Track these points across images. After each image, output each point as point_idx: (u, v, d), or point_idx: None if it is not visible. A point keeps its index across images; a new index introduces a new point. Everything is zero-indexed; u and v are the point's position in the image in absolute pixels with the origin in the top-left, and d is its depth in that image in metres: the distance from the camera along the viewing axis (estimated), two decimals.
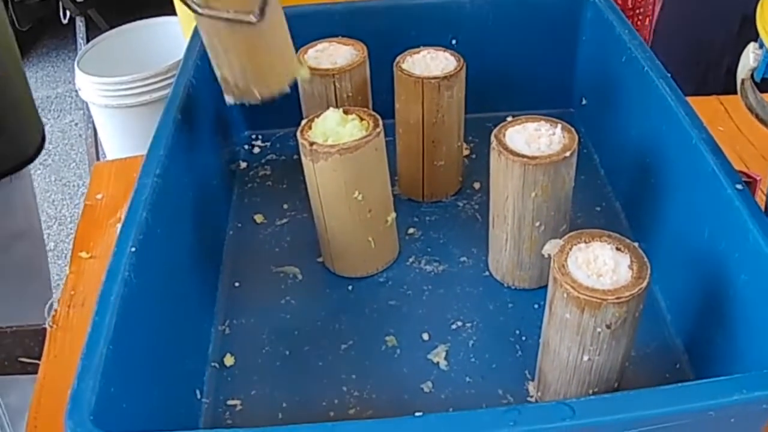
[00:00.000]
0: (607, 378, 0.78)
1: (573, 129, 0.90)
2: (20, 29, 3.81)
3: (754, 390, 0.62)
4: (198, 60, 1.09)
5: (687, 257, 0.89)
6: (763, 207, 0.79)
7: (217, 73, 0.96)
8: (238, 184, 1.20)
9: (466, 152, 1.20)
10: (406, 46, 1.08)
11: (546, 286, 0.79)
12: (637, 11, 1.69)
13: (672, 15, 1.80)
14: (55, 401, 0.95)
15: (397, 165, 1.12)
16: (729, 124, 1.31)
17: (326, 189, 0.94)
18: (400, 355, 0.91)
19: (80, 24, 3.22)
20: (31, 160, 1.53)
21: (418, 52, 1.07)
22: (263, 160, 1.25)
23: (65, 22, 3.35)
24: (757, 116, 0.86)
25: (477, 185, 1.15)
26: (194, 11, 0.88)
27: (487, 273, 1.01)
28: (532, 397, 0.85)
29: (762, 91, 0.83)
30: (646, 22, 1.71)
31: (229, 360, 0.92)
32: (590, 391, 0.79)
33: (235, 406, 0.87)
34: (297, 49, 1.08)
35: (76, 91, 2.60)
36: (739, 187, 0.80)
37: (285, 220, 1.12)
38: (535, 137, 0.89)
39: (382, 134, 0.93)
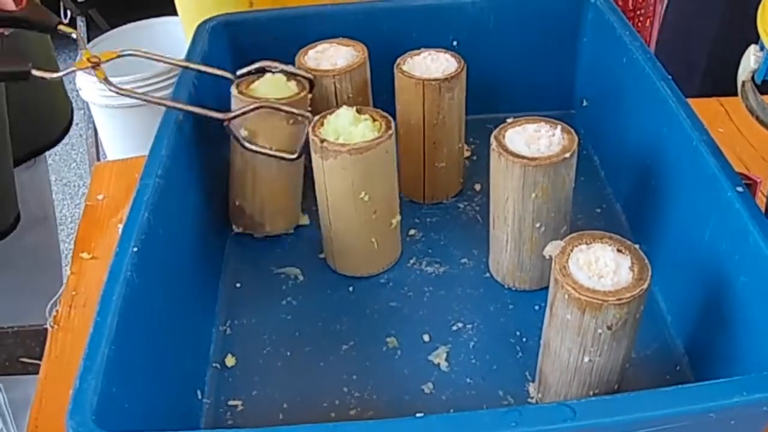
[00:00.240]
0: (607, 379, 0.78)
1: (573, 130, 0.91)
2: None
3: (754, 392, 0.62)
4: (199, 61, 1.09)
5: (687, 259, 0.89)
6: (763, 209, 0.79)
7: (234, 203, 1.07)
8: None
9: (466, 154, 1.21)
10: (406, 47, 1.08)
11: (546, 288, 0.79)
12: (638, 12, 1.69)
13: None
14: (56, 401, 0.95)
15: (398, 166, 1.12)
16: (729, 125, 1.31)
17: (333, 187, 0.94)
18: (400, 356, 0.91)
19: (81, 24, 3.21)
20: (57, 141, 1.57)
21: (419, 54, 1.07)
22: None
23: (66, 21, 3.34)
24: (757, 118, 0.86)
25: (478, 187, 1.16)
26: (241, 145, 1.00)
27: (487, 274, 1.01)
28: (532, 398, 0.86)
29: (762, 93, 0.83)
30: (647, 24, 1.71)
31: (230, 360, 0.92)
32: (591, 393, 0.79)
33: (236, 406, 0.87)
34: (298, 50, 1.09)
35: (77, 91, 2.59)
36: (739, 189, 0.80)
37: None
38: (534, 138, 0.90)
39: (393, 137, 0.94)
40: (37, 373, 1.01)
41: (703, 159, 0.85)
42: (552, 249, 0.77)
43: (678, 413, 0.62)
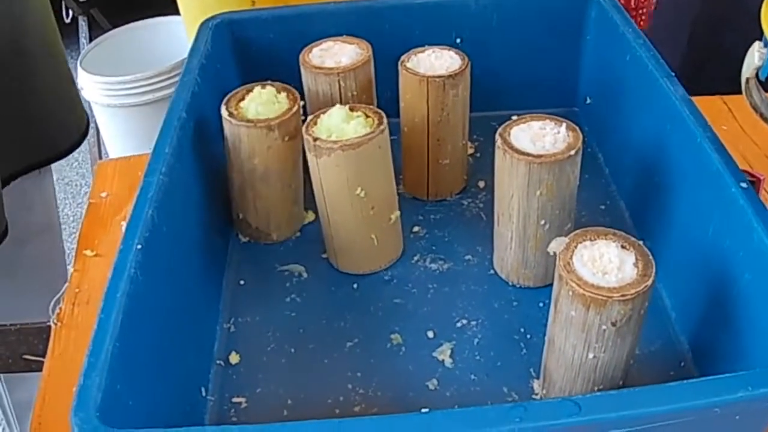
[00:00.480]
0: (612, 376, 0.78)
1: (577, 127, 0.91)
2: None
3: (759, 387, 0.62)
4: (203, 59, 1.09)
5: (691, 255, 0.89)
6: (767, 206, 0.79)
7: (238, 216, 1.09)
8: None
9: (470, 151, 1.20)
10: (410, 45, 1.08)
11: (551, 285, 0.79)
12: (640, 11, 1.69)
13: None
14: (60, 399, 0.95)
15: (402, 163, 1.12)
16: (732, 123, 1.31)
17: (329, 185, 0.94)
18: (405, 353, 0.91)
19: (83, 23, 3.22)
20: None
21: (423, 51, 1.07)
22: None
23: (68, 21, 3.34)
24: (761, 115, 0.86)
25: (482, 184, 1.16)
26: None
27: (492, 271, 1.01)
28: (537, 394, 0.86)
29: (767, 90, 0.83)
30: (650, 22, 1.71)
31: (234, 358, 0.92)
32: (595, 389, 0.79)
33: (240, 403, 0.87)
34: (301, 49, 1.09)
35: (79, 90, 2.59)
36: (743, 185, 0.80)
37: None
38: (539, 136, 0.89)
39: (386, 132, 0.93)
40: (40, 370, 1.01)
41: (706, 155, 0.85)
42: (556, 245, 0.77)
43: (683, 408, 0.61)
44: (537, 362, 0.87)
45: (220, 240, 1.07)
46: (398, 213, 1.00)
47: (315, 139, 0.91)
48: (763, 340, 0.74)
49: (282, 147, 1.00)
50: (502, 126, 0.92)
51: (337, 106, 0.95)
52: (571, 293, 0.73)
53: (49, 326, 1.06)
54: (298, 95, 1.03)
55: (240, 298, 1.00)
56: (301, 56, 1.09)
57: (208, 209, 1.02)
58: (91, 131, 2.82)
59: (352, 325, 0.95)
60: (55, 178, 1.64)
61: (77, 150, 3.04)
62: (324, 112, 0.95)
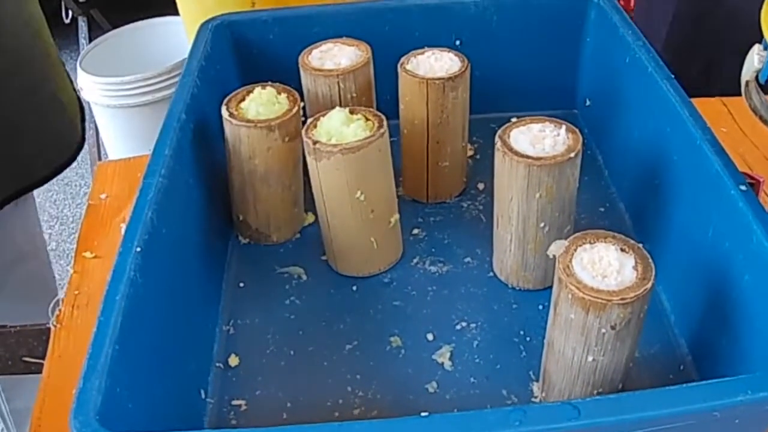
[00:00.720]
0: (611, 379, 0.78)
1: (577, 130, 0.91)
2: None
3: (759, 391, 0.62)
4: (202, 61, 1.09)
5: (691, 258, 0.89)
6: (767, 208, 0.79)
7: (238, 218, 1.09)
8: None
9: (470, 153, 1.20)
10: (410, 46, 1.08)
11: (550, 287, 0.79)
12: None
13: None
14: (60, 401, 0.95)
15: (402, 166, 1.12)
16: (732, 125, 1.31)
17: (329, 188, 0.94)
18: (404, 356, 0.91)
19: (82, 24, 3.22)
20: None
21: (423, 53, 1.07)
22: None
23: (67, 21, 3.35)
24: (761, 118, 0.86)
25: (481, 186, 1.16)
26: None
27: (491, 274, 1.01)
28: (536, 397, 0.86)
29: (766, 93, 0.83)
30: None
31: (233, 360, 0.92)
32: (595, 392, 0.79)
33: (239, 406, 0.87)
34: (300, 50, 1.09)
35: (78, 91, 2.59)
36: (743, 188, 0.80)
37: None
38: (539, 138, 0.89)
39: (386, 135, 0.93)
40: (39, 372, 1.01)
41: (706, 158, 0.85)
42: (556, 248, 0.77)
43: (682, 412, 0.61)
44: (536, 365, 0.87)
45: (220, 242, 1.07)
46: (398, 216, 1.00)
47: (315, 143, 0.91)
48: (763, 342, 0.74)
49: (282, 148, 1.00)
50: (502, 128, 0.92)
51: (337, 108, 0.95)
52: (570, 296, 0.73)
53: (49, 328, 1.05)
54: (298, 96, 1.03)
55: (239, 300, 1.00)
56: (300, 58, 1.09)
57: (208, 211, 1.02)
58: (91, 132, 2.82)
59: (351, 327, 0.95)
60: (54, 178, 1.62)
61: None
62: (324, 115, 0.95)
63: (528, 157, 0.87)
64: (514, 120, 0.93)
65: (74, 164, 2.91)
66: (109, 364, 0.67)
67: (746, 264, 0.77)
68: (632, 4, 1.77)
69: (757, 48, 0.82)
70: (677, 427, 0.62)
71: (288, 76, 1.08)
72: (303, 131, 0.94)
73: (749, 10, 0.88)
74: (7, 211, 1.42)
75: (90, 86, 2.49)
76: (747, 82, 0.84)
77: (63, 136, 1.48)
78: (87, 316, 1.05)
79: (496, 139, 0.90)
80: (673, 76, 0.98)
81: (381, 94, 1.12)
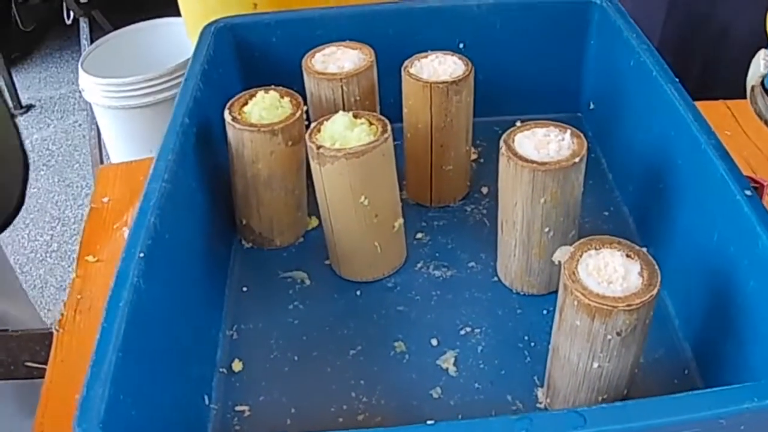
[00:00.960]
0: (616, 385, 0.77)
1: (582, 134, 0.90)
2: (24, 30, 3.82)
3: (765, 398, 0.61)
4: (205, 64, 1.08)
5: (695, 263, 0.89)
6: None
7: (241, 222, 1.09)
8: None
9: (473, 156, 1.20)
10: (413, 50, 1.08)
11: (555, 292, 0.79)
12: None
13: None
14: (62, 406, 0.95)
15: (405, 169, 1.12)
16: (736, 128, 1.31)
17: (332, 193, 0.94)
18: (408, 361, 0.91)
19: (84, 25, 3.22)
20: None
21: (426, 57, 1.07)
22: None
23: (69, 22, 3.35)
24: (766, 123, 0.86)
25: (485, 190, 1.15)
26: None
27: (495, 278, 1.01)
28: (541, 403, 0.85)
29: None
30: None
31: (237, 365, 0.92)
32: (600, 398, 0.78)
33: (243, 411, 0.87)
34: (303, 53, 1.09)
35: (80, 92, 2.60)
36: (748, 193, 0.80)
37: None
38: (544, 143, 0.89)
39: (390, 140, 0.93)
40: (42, 377, 1.01)
41: (710, 162, 0.85)
42: (561, 254, 0.76)
43: (688, 420, 0.61)
44: (541, 370, 0.86)
45: (223, 246, 1.07)
46: (402, 220, 1.00)
47: (318, 147, 0.91)
48: None
49: (285, 152, 1.00)
50: (506, 133, 0.91)
51: (341, 112, 0.95)
52: (576, 303, 0.72)
53: (52, 333, 1.05)
54: (301, 100, 1.03)
55: (243, 305, 1.00)
56: (303, 61, 1.09)
57: (211, 215, 1.02)
58: (93, 133, 2.83)
59: (355, 332, 0.95)
60: (56, 180, 1.59)
61: (78, 152, 3.04)
62: (327, 119, 0.95)
63: (533, 162, 0.87)
64: (518, 124, 0.93)
65: (76, 165, 2.90)
66: (113, 372, 0.66)
67: (751, 269, 0.77)
68: None
69: (762, 53, 0.82)
70: None
71: (291, 80, 1.08)
72: (306, 135, 0.94)
73: (740, 26, 0.88)
74: None
75: (91, 87, 2.49)
76: (752, 87, 0.84)
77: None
78: (90, 320, 1.05)
79: (501, 143, 0.90)
80: (677, 79, 0.98)
81: (384, 97, 1.12)
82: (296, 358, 0.93)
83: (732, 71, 1.03)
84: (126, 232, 0.81)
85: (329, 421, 0.85)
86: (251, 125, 0.98)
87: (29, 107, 3.83)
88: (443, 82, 1.01)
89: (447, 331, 0.94)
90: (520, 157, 0.87)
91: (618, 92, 1.13)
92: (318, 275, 1.04)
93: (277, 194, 1.03)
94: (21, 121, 3.74)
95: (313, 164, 0.93)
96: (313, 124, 0.95)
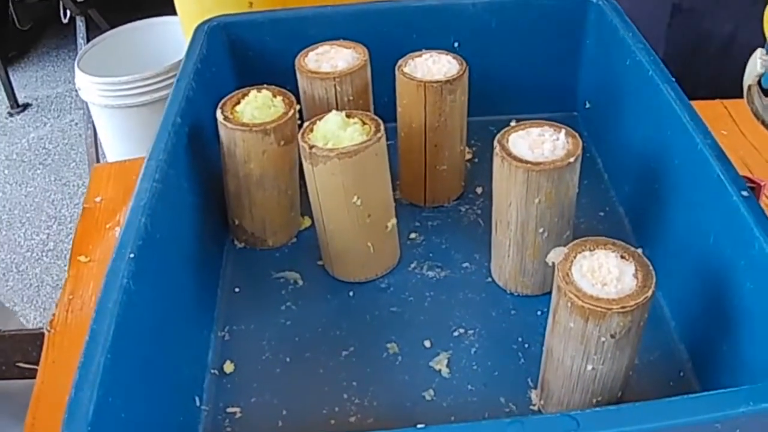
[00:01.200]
0: (610, 387, 0.77)
1: (577, 134, 0.90)
2: (21, 29, 3.81)
3: (761, 402, 0.61)
4: (198, 63, 1.08)
5: (691, 264, 0.88)
6: (767, 212, 0.78)
7: (234, 222, 1.08)
8: None
9: (468, 156, 1.19)
10: (407, 49, 1.07)
11: (549, 293, 0.78)
12: None
13: None
14: (54, 406, 0.94)
15: (399, 169, 1.11)
16: (733, 128, 1.30)
17: (325, 193, 0.93)
18: (401, 362, 0.90)
19: (80, 24, 3.22)
20: None
21: (420, 56, 1.06)
22: None
23: (65, 21, 3.35)
24: (762, 122, 0.85)
25: (479, 190, 1.15)
26: None
27: (489, 279, 1.00)
28: (534, 405, 0.85)
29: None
30: None
31: (228, 367, 0.91)
32: (594, 401, 0.78)
33: (234, 413, 0.86)
34: (297, 52, 1.08)
35: (76, 90, 2.59)
36: (744, 193, 0.79)
37: None
38: (538, 143, 0.88)
39: (383, 139, 0.92)
40: (34, 377, 1.00)
41: (707, 162, 0.84)
42: (555, 256, 0.76)
43: (684, 424, 0.61)
44: (535, 372, 0.86)
45: (215, 246, 1.06)
46: (395, 221, 0.99)
47: (311, 147, 0.90)
48: (764, 350, 0.73)
49: (278, 152, 0.99)
50: (501, 132, 0.91)
51: (334, 112, 0.94)
52: (569, 305, 0.72)
53: (43, 333, 1.05)
54: (294, 99, 1.02)
55: (234, 306, 0.99)
56: (297, 60, 1.08)
57: (203, 215, 1.01)
58: (89, 132, 2.82)
59: (347, 333, 0.94)
60: (53, 179, 1.59)
61: (75, 151, 3.04)
62: (320, 119, 0.94)
63: (527, 162, 0.86)
64: (513, 124, 0.92)
65: (72, 164, 2.91)
66: (102, 374, 0.65)
67: (748, 271, 0.76)
68: None
69: (759, 52, 0.81)
70: None
71: (284, 79, 1.08)
72: (299, 135, 0.93)
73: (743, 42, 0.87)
74: None
75: (88, 86, 2.49)
76: (749, 87, 0.83)
77: None
78: (81, 320, 1.05)
79: (495, 143, 0.89)
80: (674, 78, 0.97)
81: (378, 97, 1.11)
82: (288, 359, 0.92)
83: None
84: (118, 232, 0.80)
85: (321, 423, 0.84)
86: (243, 125, 0.97)
87: (26, 106, 3.83)
88: (437, 82, 1.00)
89: (440, 333, 0.93)
90: (515, 157, 0.87)
91: (614, 92, 1.12)
92: (311, 276, 1.03)
93: (269, 194, 1.03)
94: (18, 120, 3.74)
95: (306, 164, 0.92)
96: (305, 124, 0.95)
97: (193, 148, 0.99)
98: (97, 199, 1.26)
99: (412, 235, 1.07)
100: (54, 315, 1.06)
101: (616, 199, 1.11)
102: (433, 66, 1.04)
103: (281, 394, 0.88)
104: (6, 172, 3.38)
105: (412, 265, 1.03)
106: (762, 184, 1.01)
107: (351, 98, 1.07)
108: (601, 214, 1.09)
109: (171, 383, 0.81)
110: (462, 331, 0.93)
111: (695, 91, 1.00)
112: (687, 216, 0.90)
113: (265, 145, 0.98)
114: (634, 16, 1.11)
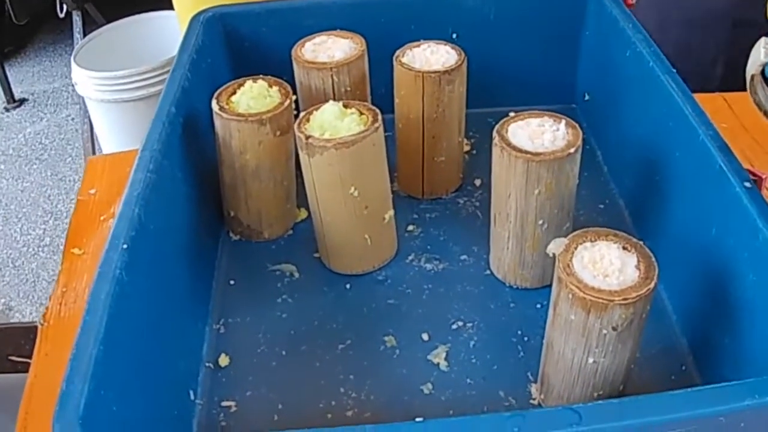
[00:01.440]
0: (612, 381, 0.76)
1: (577, 125, 0.89)
2: (17, 23, 3.80)
3: (766, 395, 0.60)
4: (193, 54, 1.07)
5: (693, 256, 0.87)
6: None
7: (229, 214, 1.07)
8: None
9: (466, 148, 1.19)
10: (405, 39, 1.06)
11: (548, 286, 0.77)
12: None
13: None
14: (47, 400, 0.93)
15: (396, 161, 1.10)
16: (733, 121, 1.29)
17: (322, 184, 0.92)
18: (399, 356, 0.89)
19: (77, 18, 3.21)
20: None
21: (419, 46, 1.05)
22: None
23: (62, 16, 3.33)
24: (765, 113, 0.84)
25: (478, 182, 1.14)
26: None
27: (488, 272, 0.99)
28: (534, 399, 0.84)
29: None
30: None
31: (223, 360, 0.90)
32: (595, 394, 0.77)
33: (229, 407, 0.85)
34: (294, 43, 1.07)
35: (73, 85, 2.59)
36: (747, 185, 0.78)
37: None
38: (538, 133, 0.87)
39: (380, 129, 0.91)
40: (26, 371, 0.99)
41: (709, 154, 0.83)
42: (555, 247, 0.75)
43: (688, 417, 0.60)
44: (535, 366, 0.85)
45: (210, 238, 1.05)
46: (392, 212, 0.99)
47: (307, 137, 0.89)
48: (767, 343, 0.72)
49: (274, 142, 0.98)
50: (500, 123, 0.90)
51: (330, 102, 0.93)
52: (570, 296, 0.71)
53: (36, 326, 1.04)
54: (290, 89, 1.01)
55: (230, 299, 0.99)
56: (293, 50, 1.07)
57: (198, 207, 1.00)
58: (85, 126, 2.81)
59: (344, 326, 0.93)
60: (48, 174, 1.58)
61: (71, 146, 3.03)
62: (317, 109, 0.93)
63: (527, 152, 0.85)
64: (512, 114, 0.91)
65: (68, 159, 2.90)
66: (93, 366, 0.64)
67: (751, 263, 0.75)
68: None
69: (763, 41, 0.80)
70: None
71: (281, 69, 1.07)
72: (295, 125, 0.92)
73: None
74: None
75: (84, 81, 2.48)
76: (752, 77, 0.82)
77: None
78: (75, 313, 1.04)
79: (494, 134, 0.88)
80: (674, 70, 0.96)
81: (376, 87, 1.11)
82: (284, 352, 0.91)
83: None
84: (111, 224, 0.79)
85: (317, 417, 0.83)
86: (239, 115, 0.96)
87: (22, 101, 3.82)
88: (435, 72, 1.00)
89: (438, 326, 0.92)
90: (514, 148, 0.86)
91: (614, 83, 1.12)
92: (307, 268, 1.02)
93: (265, 185, 1.02)
94: (14, 115, 3.73)
95: (302, 154, 0.91)
96: (302, 114, 0.94)
97: (188, 138, 0.98)
98: (92, 192, 1.25)
99: (410, 227, 1.07)
100: (47, 308, 1.05)
101: (616, 192, 1.10)
102: (432, 56, 1.03)
103: (277, 388, 0.87)
104: (2, 167, 3.37)
105: (410, 258, 1.02)
106: (763, 176, 1.00)
107: (348, 89, 1.06)
108: (601, 206, 1.08)
109: (165, 376, 0.81)
110: (460, 324, 0.92)
111: None
112: (688, 208, 0.89)
113: (261, 135, 0.97)
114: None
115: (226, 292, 0.99)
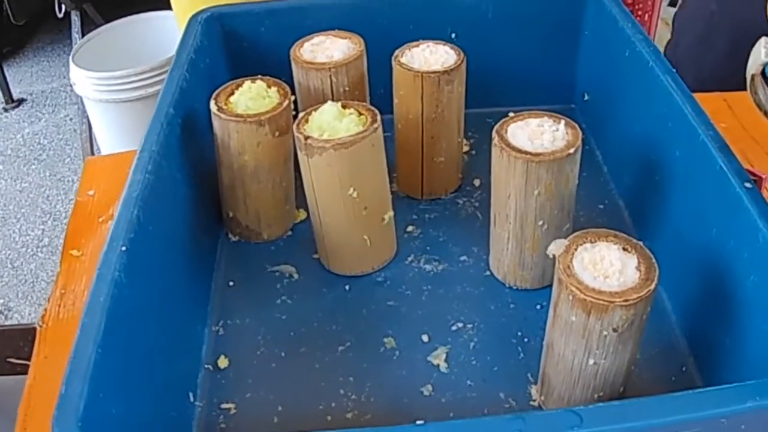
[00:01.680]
0: (612, 382, 0.76)
1: (576, 125, 0.88)
2: (15, 23, 3.80)
3: (767, 397, 0.60)
4: (192, 54, 1.07)
5: (693, 257, 0.87)
6: None
7: (228, 215, 1.07)
8: None
9: (465, 148, 1.18)
10: (404, 39, 1.06)
11: (549, 286, 0.77)
12: (638, 6, 1.67)
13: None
14: (46, 402, 0.93)
15: (395, 161, 1.10)
16: (732, 121, 1.29)
17: (320, 185, 0.92)
18: (399, 357, 0.89)
19: (75, 18, 3.21)
20: None
21: (417, 46, 1.05)
22: None
23: (60, 16, 3.33)
24: (765, 113, 0.84)
25: (477, 182, 1.13)
26: None
27: (488, 272, 0.99)
28: (534, 401, 0.83)
29: None
30: (646, 18, 1.69)
31: (223, 362, 0.90)
32: (595, 396, 0.77)
33: (229, 409, 0.85)
34: (292, 43, 1.07)
35: (71, 85, 2.58)
36: (747, 185, 0.78)
37: None
38: (538, 133, 0.87)
39: (380, 130, 0.91)
40: (25, 373, 0.99)
41: (709, 154, 0.83)
42: (555, 248, 0.74)
43: (689, 419, 0.59)
44: (535, 367, 0.85)
45: (209, 239, 1.05)
46: (392, 213, 0.98)
47: (306, 138, 0.89)
48: None
49: (272, 143, 0.98)
50: (499, 123, 0.90)
51: (329, 102, 0.93)
52: (571, 298, 0.70)
53: (35, 328, 1.03)
54: (288, 90, 1.01)
55: (229, 300, 0.98)
56: (292, 51, 1.07)
57: (197, 208, 1.00)
58: (84, 127, 2.81)
59: (344, 328, 0.93)
60: (47, 174, 1.58)
61: (70, 146, 3.03)
62: (315, 109, 0.93)
63: (526, 153, 0.85)
64: (511, 114, 0.91)
65: (67, 159, 2.90)
66: (92, 368, 0.64)
67: (752, 263, 0.75)
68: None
69: (764, 41, 0.80)
70: None
71: (279, 70, 1.06)
72: (294, 126, 0.92)
73: None
74: None
75: (82, 81, 2.48)
76: (753, 76, 0.82)
77: None
78: (74, 315, 1.03)
79: (494, 134, 0.88)
80: (674, 69, 0.96)
81: (374, 87, 1.10)
82: (283, 354, 0.91)
83: None
84: (111, 225, 0.79)
85: (317, 419, 0.83)
86: (237, 116, 0.96)
87: (20, 101, 3.82)
88: (434, 72, 0.99)
89: (438, 327, 0.92)
90: (513, 148, 0.85)
91: (613, 83, 1.11)
92: (306, 269, 1.02)
93: (264, 186, 1.01)
94: (12, 115, 3.73)
95: (301, 155, 0.91)
96: (300, 115, 0.93)
97: (186, 139, 0.98)
98: (90, 193, 1.25)
99: (409, 228, 1.06)
100: (46, 310, 1.05)
101: (616, 192, 1.10)
102: (431, 56, 1.03)
103: (276, 390, 0.87)
104: (0, 167, 3.37)
105: (409, 259, 1.02)
106: (763, 177, 1.00)
107: (347, 89, 1.05)
108: (601, 206, 1.08)
109: (164, 378, 0.80)
110: (460, 325, 0.92)
111: None
112: (688, 208, 0.89)
113: (260, 136, 0.96)
114: None
115: (225, 294, 0.99)
